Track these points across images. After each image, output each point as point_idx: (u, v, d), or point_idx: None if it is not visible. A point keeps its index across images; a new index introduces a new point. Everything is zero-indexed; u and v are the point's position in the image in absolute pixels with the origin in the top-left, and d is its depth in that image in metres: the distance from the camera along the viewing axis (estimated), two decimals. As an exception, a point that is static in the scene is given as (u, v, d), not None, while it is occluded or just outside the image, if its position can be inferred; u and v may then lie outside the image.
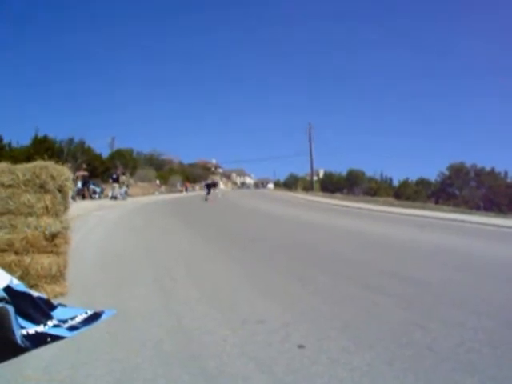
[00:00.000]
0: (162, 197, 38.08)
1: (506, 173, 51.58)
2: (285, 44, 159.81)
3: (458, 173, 52.49)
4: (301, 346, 3.32)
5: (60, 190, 4.95)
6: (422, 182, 58.58)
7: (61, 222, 4.95)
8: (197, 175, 77.05)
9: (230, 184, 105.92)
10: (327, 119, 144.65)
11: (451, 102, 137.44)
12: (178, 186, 57.52)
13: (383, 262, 7.04)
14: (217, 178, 48.49)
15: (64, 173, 5.03)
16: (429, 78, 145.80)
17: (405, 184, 59.88)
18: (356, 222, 15.32)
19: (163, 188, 51.66)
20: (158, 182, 52.76)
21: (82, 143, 38.39)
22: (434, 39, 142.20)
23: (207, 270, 6.54)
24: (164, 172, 61.60)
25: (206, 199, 29.33)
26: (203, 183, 61.96)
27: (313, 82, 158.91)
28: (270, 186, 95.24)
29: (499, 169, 52.01)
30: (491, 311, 4.30)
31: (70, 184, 5.13)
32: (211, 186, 32.91)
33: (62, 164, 5.30)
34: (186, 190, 55.30)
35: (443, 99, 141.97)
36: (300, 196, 39.02)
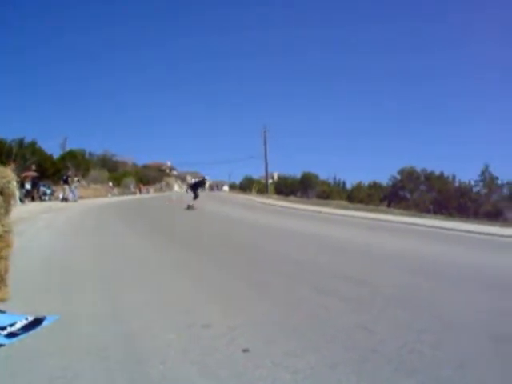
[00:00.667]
0: (115, 199, 37.43)
1: (454, 177, 53.42)
2: (238, 46, 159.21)
3: (409, 176, 53.93)
4: (245, 350, 3.31)
5: (1, 192, 4.78)
6: (375, 186, 59.94)
7: (2, 225, 4.78)
8: (151, 177, 76.18)
9: (184, 186, 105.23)
10: (282, 122, 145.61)
11: (404, 103, 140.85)
12: (132, 188, 56.79)
13: (336, 266, 7.11)
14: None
15: (6, 174, 4.87)
16: (382, 80, 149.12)
17: (358, 187, 61.20)
18: (310, 224, 15.48)
19: (116, 190, 50.80)
20: (110, 183, 51.92)
21: (33, 144, 37.36)
22: (387, 38, 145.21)
23: (156, 272, 6.47)
24: (117, 174, 60.63)
25: (189, 207, 20.23)
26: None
27: (267, 83, 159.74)
28: (226, 188, 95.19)
29: (447, 173, 53.80)
30: (438, 312, 4.41)
31: (12, 186, 4.96)
32: (199, 187, 22.15)
33: (7, 165, 5.14)
34: (140, 192, 54.72)
35: (398, 100, 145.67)
36: (256, 199, 39.07)
